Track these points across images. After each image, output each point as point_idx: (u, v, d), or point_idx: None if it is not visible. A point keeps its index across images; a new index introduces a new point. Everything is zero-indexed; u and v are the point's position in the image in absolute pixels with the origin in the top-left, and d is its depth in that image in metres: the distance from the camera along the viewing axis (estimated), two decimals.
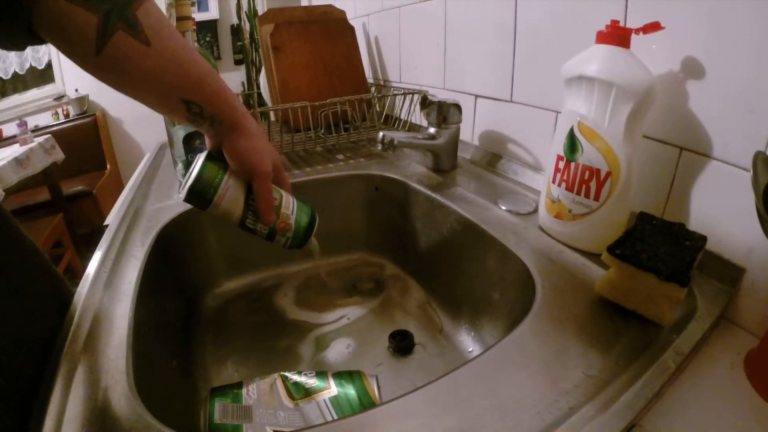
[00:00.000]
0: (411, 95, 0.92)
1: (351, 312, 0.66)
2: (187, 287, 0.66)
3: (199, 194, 0.41)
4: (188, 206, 0.67)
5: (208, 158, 0.42)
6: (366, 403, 0.44)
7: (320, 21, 1.02)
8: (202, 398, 0.46)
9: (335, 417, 0.43)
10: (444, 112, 0.70)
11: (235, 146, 0.41)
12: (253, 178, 0.42)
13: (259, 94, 1.18)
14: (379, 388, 0.47)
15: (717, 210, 0.43)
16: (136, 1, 0.32)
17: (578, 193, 0.47)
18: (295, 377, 0.47)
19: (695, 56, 0.42)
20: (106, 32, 0.31)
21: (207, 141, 0.44)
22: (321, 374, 0.47)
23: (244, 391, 0.45)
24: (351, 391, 0.45)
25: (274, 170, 0.44)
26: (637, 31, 0.43)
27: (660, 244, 0.39)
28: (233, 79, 3.01)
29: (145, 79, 0.35)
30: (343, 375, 0.47)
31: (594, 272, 0.45)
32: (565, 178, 0.48)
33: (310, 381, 0.46)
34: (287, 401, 0.44)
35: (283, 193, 0.46)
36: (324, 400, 0.45)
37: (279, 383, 0.46)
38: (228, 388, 0.46)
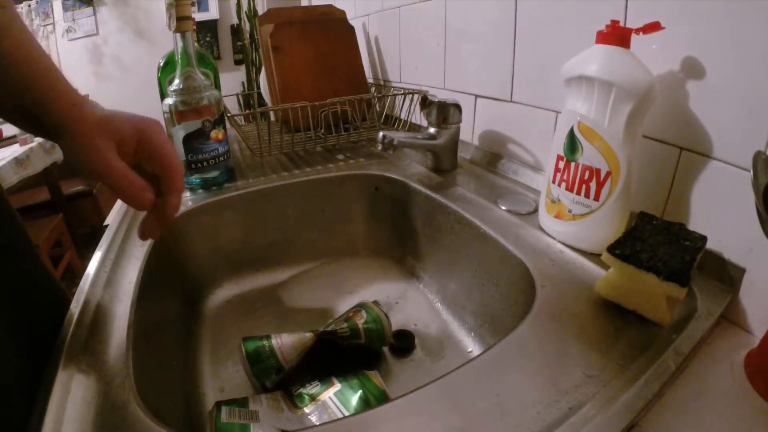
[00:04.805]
0: (411, 95, 0.92)
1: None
2: (187, 287, 0.66)
3: None
4: (188, 206, 0.67)
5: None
6: (371, 388, 0.45)
7: (320, 21, 1.02)
8: (202, 397, 0.46)
9: (342, 408, 0.43)
10: (444, 112, 0.70)
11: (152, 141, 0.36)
12: (171, 171, 0.37)
13: (259, 94, 1.18)
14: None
15: (717, 210, 0.43)
16: None
17: (578, 193, 0.47)
18: (300, 390, 0.47)
19: (695, 56, 0.42)
20: None
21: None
22: (325, 381, 0.47)
23: (249, 401, 0.45)
24: (354, 380, 0.46)
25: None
26: (637, 31, 0.43)
27: (660, 244, 0.39)
28: (233, 79, 3.00)
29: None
30: (346, 373, 0.48)
31: (594, 272, 0.45)
32: (565, 178, 0.48)
33: (315, 389, 0.47)
34: (294, 412, 0.44)
35: None
36: (329, 397, 0.45)
37: (283, 399, 0.46)
38: (233, 401, 0.46)
